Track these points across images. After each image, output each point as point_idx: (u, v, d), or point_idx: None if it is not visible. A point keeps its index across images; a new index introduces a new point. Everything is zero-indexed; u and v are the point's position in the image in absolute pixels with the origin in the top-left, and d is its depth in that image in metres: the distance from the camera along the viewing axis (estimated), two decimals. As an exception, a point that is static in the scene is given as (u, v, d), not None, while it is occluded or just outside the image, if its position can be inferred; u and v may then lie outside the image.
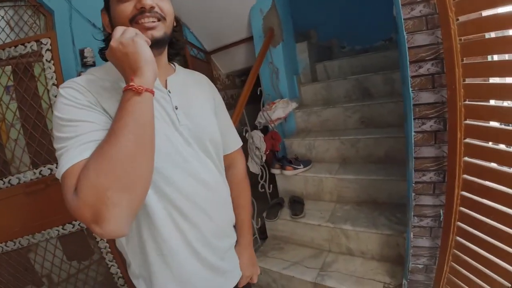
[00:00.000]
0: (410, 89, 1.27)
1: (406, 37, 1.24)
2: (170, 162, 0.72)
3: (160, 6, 0.70)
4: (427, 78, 1.24)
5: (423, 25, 1.21)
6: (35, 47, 1.83)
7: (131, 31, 0.62)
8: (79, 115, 0.61)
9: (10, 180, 1.81)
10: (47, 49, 1.84)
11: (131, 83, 0.58)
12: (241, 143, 1.07)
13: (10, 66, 1.83)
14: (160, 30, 0.71)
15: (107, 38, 0.79)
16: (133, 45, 0.60)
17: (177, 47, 0.88)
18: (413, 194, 1.35)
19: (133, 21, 0.68)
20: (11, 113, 1.86)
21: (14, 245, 1.84)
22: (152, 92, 0.61)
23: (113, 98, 0.67)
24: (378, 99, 2.53)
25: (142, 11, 0.67)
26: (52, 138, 1.85)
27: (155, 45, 0.70)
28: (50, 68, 1.84)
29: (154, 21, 0.69)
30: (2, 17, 2.00)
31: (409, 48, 1.25)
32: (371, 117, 2.45)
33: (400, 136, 2.05)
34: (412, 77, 1.26)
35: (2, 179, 1.80)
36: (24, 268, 1.93)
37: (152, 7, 0.68)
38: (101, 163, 0.53)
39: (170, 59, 0.88)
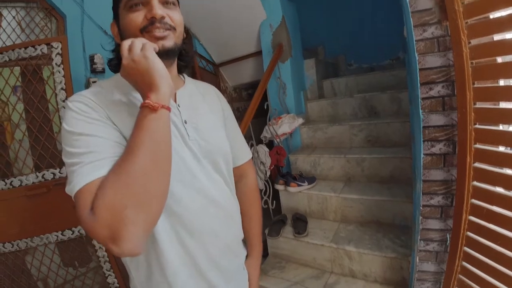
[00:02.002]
0: (420, 111, 1.26)
1: (417, 58, 1.24)
2: (178, 178, 0.69)
3: (171, 16, 0.70)
4: (437, 100, 1.22)
5: (435, 47, 1.20)
6: (45, 50, 1.84)
7: (137, 43, 0.61)
8: (90, 129, 0.60)
9: (12, 181, 1.80)
10: (58, 53, 1.85)
11: (147, 100, 0.58)
12: (251, 155, 1.05)
13: (19, 67, 1.84)
14: (171, 40, 0.70)
15: (116, 49, 0.78)
16: (145, 61, 0.59)
17: (186, 59, 0.87)
18: (420, 217, 1.32)
19: (143, 31, 0.67)
20: (17, 114, 1.87)
21: (12, 247, 1.82)
22: (169, 109, 0.60)
23: (122, 111, 0.66)
24: (384, 118, 2.52)
25: (152, 21, 0.67)
26: (59, 143, 1.86)
27: (165, 55, 0.69)
28: (60, 72, 1.85)
29: (165, 31, 0.68)
30: (14, 17, 2.01)
31: (420, 69, 1.24)
32: (377, 136, 2.44)
33: (406, 156, 2.04)
34: (423, 98, 1.25)
35: (4, 180, 1.79)
36: (20, 271, 1.90)
37: (163, 17, 0.68)
38: (119, 182, 0.53)
39: (180, 71, 0.87)
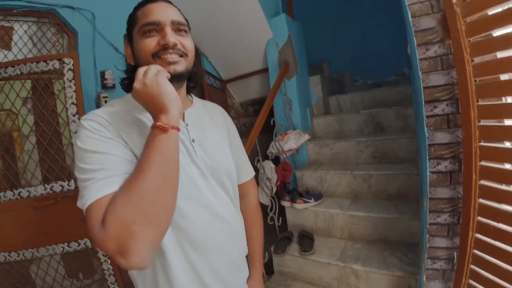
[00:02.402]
0: (426, 129, 1.26)
1: (421, 77, 1.25)
2: (185, 194, 0.71)
3: (182, 43, 0.73)
4: (442, 118, 1.23)
5: (438, 65, 1.22)
6: (57, 65, 1.89)
7: (153, 69, 0.65)
8: (103, 147, 0.63)
9: (20, 192, 1.82)
10: (69, 69, 1.90)
11: (158, 122, 0.61)
12: (253, 173, 1.06)
13: (30, 81, 1.89)
14: (182, 66, 0.73)
15: (129, 69, 0.82)
16: (157, 86, 0.63)
17: (195, 80, 0.90)
18: (427, 235, 1.30)
19: (156, 56, 0.71)
20: (27, 126, 1.91)
21: (17, 256, 1.83)
22: (178, 129, 0.63)
23: (133, 131, 0.69)
24: (391, 134, 2.52)
25: (165, 47, 0.70)
26: (69, 156, 1.89)
27: (176, 79, 0.73)
28: (71, 87, 1.89)
29: (176, 57, 0.72)
30: (25, 32, 2.06)
31: (424, 88, 1.25)
32: (384, 152, 2.43)
33: (413, 173, 2.02)
34: (427, 116, 1.26)
35: (12, 191, 1.82)
36: (24, 280, 1.91)
37: (175, 44, 0.71)
38: (129, 198, 0.55)
39: (188, 91, 0.89)
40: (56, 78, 1.92)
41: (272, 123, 2.63)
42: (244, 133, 3.73)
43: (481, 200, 1.09)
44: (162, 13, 0.71)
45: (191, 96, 0.92)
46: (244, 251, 0.92)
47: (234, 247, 0.84)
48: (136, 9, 0.75)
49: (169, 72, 0.69)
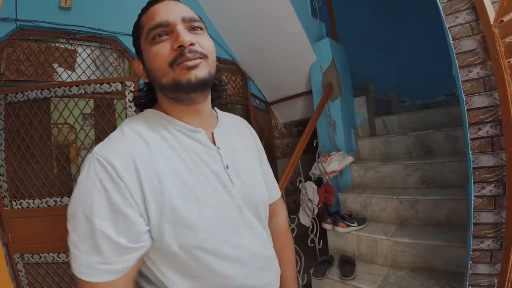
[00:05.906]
0: (470, 152, 1.23)
1: (464, 99, 1.23)
2: (222, 239, 0.62)
3: (200, 43, 0.62)
4: (486, 140, 1.20)
5: (481, 87, 1.20)
6: (119, 87, 2.14)
7: None
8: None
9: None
10: (130, 91, 2.14)
11: None
12: (280, 192, 0.97)
13: (93, 100, 2.14)
14: (204, 70, 0.61)
15: (144, 88, 0.73)
16: None
17: (219, 90, 0.77)
18: (470, 262, 1.23)
19: (174, 64, 0.59)
20: (89, 139, 2.14)
21: (66, 258, 1.99)
22: None
23: (162, 166, 0.59)
24: (440, 157, 2.40)
25: (182, 52, 0.58)
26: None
27: (200, 88, 0.62)
28: (131, 107, 2.14)
29: (196, 61, 0.59)
30: (89, 55, 2.32)
31: (468, 110, 1.23)
32: (433, 176, 2.32)
33: (462, 198, 1.91)
34: (472, 139, 1.23)
35: (69, 197, 1.99)
36: (69, 280, 2.05)
37: (192, 44, 0.59)
38: None
39: (212, 103, 0.76)
40: (118, 99, 2.17)
41: (315, 144, 2.66)
42: (287, 153, 3.78)
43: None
44: (170, 12, 0.61)
45: (215, 110, 0.79)
46: (278, 275, 0.81)
47: (273, 280, 0.76)
48: (140, 15, 0.65)
49: (189, 80, 0.59)
